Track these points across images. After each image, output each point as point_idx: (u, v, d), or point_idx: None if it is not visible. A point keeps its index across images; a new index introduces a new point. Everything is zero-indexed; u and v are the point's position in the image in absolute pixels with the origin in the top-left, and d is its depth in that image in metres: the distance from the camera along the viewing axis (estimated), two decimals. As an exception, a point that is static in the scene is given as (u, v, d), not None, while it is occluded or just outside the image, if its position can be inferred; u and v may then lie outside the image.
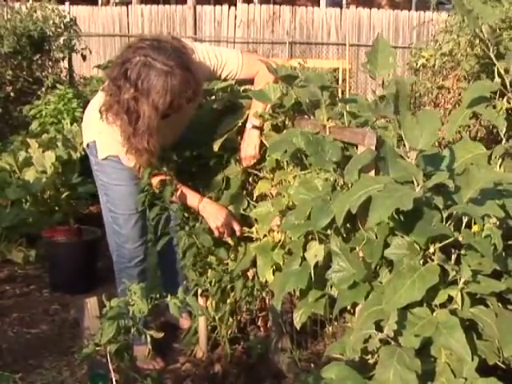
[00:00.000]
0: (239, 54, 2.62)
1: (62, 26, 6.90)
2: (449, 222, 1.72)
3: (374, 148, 1.89)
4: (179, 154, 2.75)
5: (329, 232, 1.97)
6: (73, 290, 3.72)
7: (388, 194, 1.65)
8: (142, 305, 1.84)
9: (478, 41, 3.27)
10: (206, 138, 2.66)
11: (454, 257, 1.73)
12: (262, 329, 2.88)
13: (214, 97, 2.87)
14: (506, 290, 1.69)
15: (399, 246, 1.74)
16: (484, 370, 1.69)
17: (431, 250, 1.72)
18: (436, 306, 1.73)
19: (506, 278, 1.72)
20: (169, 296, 1.90)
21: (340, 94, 6.05)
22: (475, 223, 1.71)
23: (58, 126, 5.50)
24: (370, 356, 1.79)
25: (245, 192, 2.69)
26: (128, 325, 1.88)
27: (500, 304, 1.75)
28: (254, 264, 2.60)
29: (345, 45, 10.75)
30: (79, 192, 4.45)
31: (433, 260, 1.72)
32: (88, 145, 2.74)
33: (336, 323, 2.49)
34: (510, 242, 1.73)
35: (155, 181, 2.63)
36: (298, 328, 2.14)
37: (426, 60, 3.90)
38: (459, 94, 3.48)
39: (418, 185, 1.70)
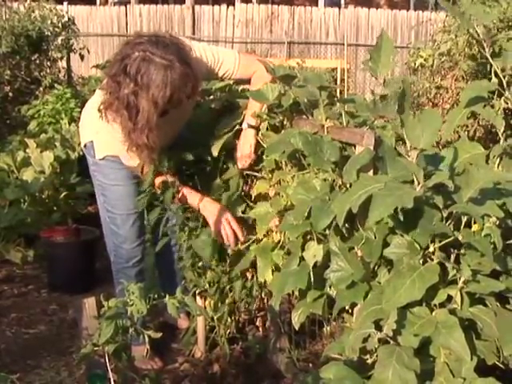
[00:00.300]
0: (236, 54, 2.62)
1: (60, 26, 6.90)
2: (449, 222, 1.72)
3: (372, 148, 1.89)
4: (178, 155, 2.75)
5: (327, 232, 1.97)
6: (71, 290, 3.71)
7: (389, 193, 1.65)
8: (141, 305, 1.84)
9: (475, 41, 3.27)
10: (203, 139, 2.66)
11: (453, 256, 1.73)
12: (260, 329, 2.87)
13: (212, 96, 2.87)
14: (505, 290, 1.69)
15: (399, 245, 1.74)
16: (483, 369, 1.69)
17: (431, 249, 1.72)
18: (435, 305, 1.73)
19: (505, 277, 1.72)
20: (167, 296, 1.89)
21: (338, 94, 6.05)
22: (475, 223, 1.72)
23: (56, 125, 5.50)
24: (368, 356, 1.79)
25: (243, 193, 2.68)
26: (126, 325, 1.88)
27: (498, 303, 1.75)
28: (252, 265, 2.60)
29: (343, 44, 10.76)
30: (77, 192, 4.44)
31: (432, 259, 1.72)
32: (85, 145, 2.73)
33: (334, 323, 2.49)
34: (508, 242, 1.74)
35: (157, 181, 2.62)
36: (297, 328, 2.14)
37: (425, 60, 3.91)
38: (457, 94, 3.48)
39: (418, 184, 1.71)
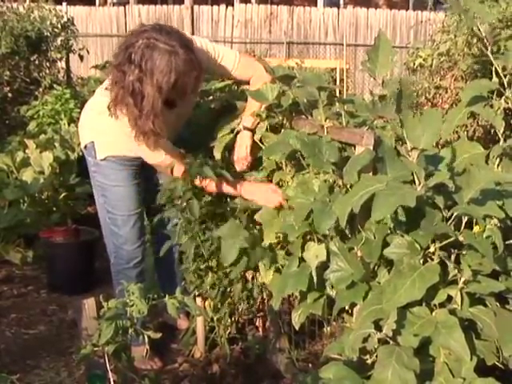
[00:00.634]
0: (236, 53, 2.63)
1: (60, 27, 6.89)
2: (449, 222, 1.72)
3: (371, 148, 1.89)
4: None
5: (327, 232, 1.97)
6: (71, 291, 3.70)
7: (391, 192, 1.66)
8: (141, 305, 1.84)
9: (475, 40, 3.28)
10: (203, 139, 2.66)
11: (453, 256, 1.73)
12: (260, 329, 2.87)
13: (211, 97, 2.87)
14: (505, 290, 1.69)
15: (399, 245, 1.74)
16: (482, 369, 1.69)
17: (431, 249, 1.72)
18: (435, 305, 1.73)
19: (505, 278, 1.72)
20: (167, 296, 1.89)
21: (337, 94, 6.05)
22: (476, 223, 1.72)
23: (56, 126, 5.49)
24: (368, 356, 1.79)
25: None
26: (126, 325, 1.88)
27: (498, 304, 1.75)
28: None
29: (342, 45, 10.74)
30: (77, 192, 4.44)
31: (433, 259, 1.72)
32: (86, 146, 2.73)
33: (334, 323, 2.49)
34: (508, 242, 1.74)
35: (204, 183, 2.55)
36: (297, 328, 2.14)
37: (424, 60, 3.91)
38: (456, 94, 3.49)
39: (419, 183, 1.71)
